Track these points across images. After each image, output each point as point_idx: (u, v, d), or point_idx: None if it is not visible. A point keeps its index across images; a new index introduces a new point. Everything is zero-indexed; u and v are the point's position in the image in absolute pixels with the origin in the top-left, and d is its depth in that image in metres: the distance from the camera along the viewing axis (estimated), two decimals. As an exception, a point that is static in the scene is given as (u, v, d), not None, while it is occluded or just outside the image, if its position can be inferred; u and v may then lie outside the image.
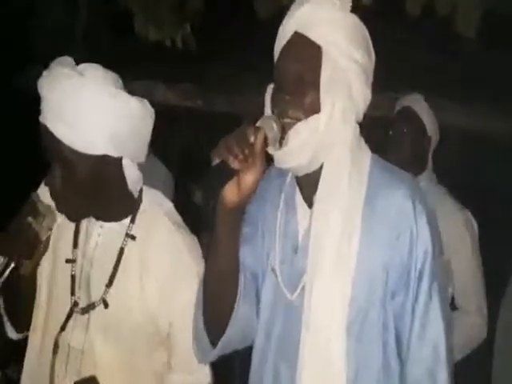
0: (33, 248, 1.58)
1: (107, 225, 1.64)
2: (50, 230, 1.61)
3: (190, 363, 1.61)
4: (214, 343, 1.50)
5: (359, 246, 1.39)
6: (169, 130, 5.93)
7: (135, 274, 1.61)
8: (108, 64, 1.58)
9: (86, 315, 1.61)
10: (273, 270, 1.51)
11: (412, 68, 4.08)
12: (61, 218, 1.64)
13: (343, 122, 1.41)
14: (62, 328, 1.62)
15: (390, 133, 2.82)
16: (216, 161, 1.32)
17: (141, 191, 1.68)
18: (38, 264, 1.66)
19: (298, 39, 1.43)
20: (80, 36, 4.25)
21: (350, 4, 1.47)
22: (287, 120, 1.40)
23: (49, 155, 1.50)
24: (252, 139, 1.33)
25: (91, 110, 1.45)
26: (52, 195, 1.53)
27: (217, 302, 1.49)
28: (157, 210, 1.67)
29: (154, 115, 1.59)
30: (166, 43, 3.85)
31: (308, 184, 1.48)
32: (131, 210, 1.65)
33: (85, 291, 1.63)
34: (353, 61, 1.42)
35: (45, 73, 1.50)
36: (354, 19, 1.47)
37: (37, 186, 1.68)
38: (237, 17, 4.42)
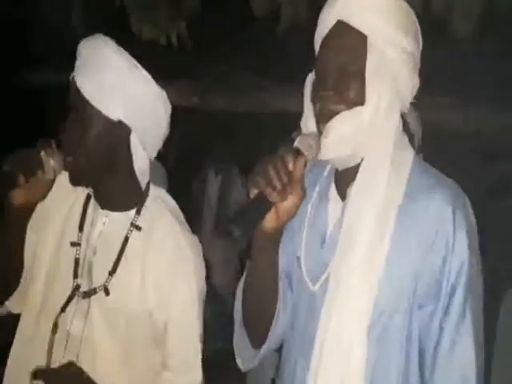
0: (33, 171, 1.56)
1: (112, 214, 1.66)
2: (54, 175, 1.60)
3: (185, 362, 1.62)
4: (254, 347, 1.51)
5: (390, 246, 1.31)
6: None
7: (137, 265, 1.63)
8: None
9: (87, 302, 1.62)
10: (298, 259, 1.46)
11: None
12: (71, 197, 1.69)
13: (388, 115, 1.34)
14: (63, 309, 1.62)
15: None
16: (254, 192, 1.27)
17: (148, 187, 1.71)
18: (31, 207, 1.65)
19: (341, 28, 1.35)
20: (79, 33, 4.25)
21: None
22: (330, 115, 1.33)
23: (70, 108, 1.59)
24: (291, 166, 1.27)
25: (120, 75, 1.56)
26: (62, 146, 1.59)
27: (257, 315, 1.48)
28: (161, 206, 1.70)
29: (169, 108, 1.65)
30: (160, 41, 3.83)
31: (344, 177, 1.41)
32: (137, 201, 1.67)
33: (86, 278, 1.65)
34: (401, 49, 1.34)
35: (87, 38, 1.62)
36: (401, 2, 1.38)
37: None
38: (233, 14, 4.41)
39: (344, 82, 1.33)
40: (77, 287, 1.63)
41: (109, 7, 3.89)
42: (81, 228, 1.67)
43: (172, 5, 3.85)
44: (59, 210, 1.72)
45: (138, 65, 1.60)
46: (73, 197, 1.71)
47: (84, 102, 1.55)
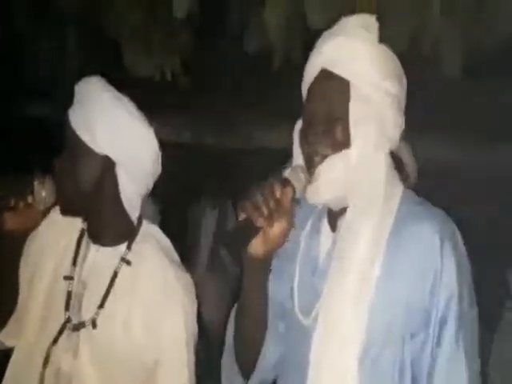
0: (23, 195, 1.64)
1: (103, 249, 1.68)
2: (44, 206, 1.67)
3: None
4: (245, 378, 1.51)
5: (381, 275, 1.32)
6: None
7: (125, 300, 1.63)
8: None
9: (76, 337, 1.63)
10: (291, 289, 1.46)
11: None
12: (64, 239, 1.72)
13: (375, 156, 1.38)
14: (54, 342, 1.63)
15: None
16: (242, 216, 1.30)
17: (140, 222, 1.73)
18: (24, 233, 1.71)
19: (325, 76, 1.40)
20: (70, 68, 4.28)
21: (378, 33, 1.42)
22: (318, 159, 1.37)
23: (65, 144, 1.65)
24: (278, 194, 1.30)
25: (105, 110, 1.62)
26: (54, 177, 1.65)
27: (246, 343, 1.49)
28: (152, 243, 1.71)
29: (155, 146, 1.68)
30: (155, 77, 3.88)
31: (337, 212, 1.43)
32: (128, 235, 1.69)
33: (77, 312, 1.66)
34: (384, 93, 1.38)
35: (83, 79, 1.69)
36: (382, 48, 1.42)
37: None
38: (226, 51, 4.47)
39: (331, 128, 1.36)
40: (68, 320, 1.64)
41: (103, 45, 3.94)
42: (74, 262, 1.69)
43: (166, 42, 3.90)
44: (56, 246, 1.74)
45: (127, 101, 1.66)
46: (69, 233, 1.74)
47: (74, 136, 1.61)
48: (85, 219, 1.71)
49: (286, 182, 1.33)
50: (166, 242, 1.76)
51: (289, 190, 1.32)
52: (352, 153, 1.35)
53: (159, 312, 1.62)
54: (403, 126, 1.43)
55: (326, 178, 1.36)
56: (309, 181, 1.37)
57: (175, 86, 4.01)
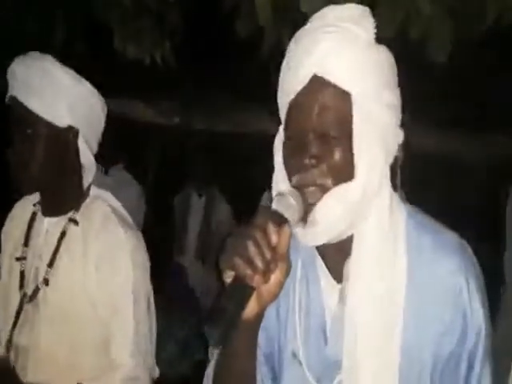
0: None
1: (54, 220, 1.72)
2: None
3: (123, 354, 1.64)
4: None
5: (404, 334, 1.13)
6: (145, 146, 5.94)
7: (78, 258, 1.67)
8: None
9: (34, 309, 1.65)
10: (294, 355, 1.23)
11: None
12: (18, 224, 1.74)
13: (382, 182, 1.15)
14: (14, 325, 1.67)
15: None
16: (230, 275, 1.03)
17: (89, 187, 1.77)
18: None
19: (320, 85, 1.12)
20: (57, 50, 4.25)
21: (375, 33, 1.16)
22: (312, 190, 1.11)
23: (17, 129, 1.63)
24: (274, 239, 1.04)
25: (59, 85, 1.64)
26: (14, 167, 1.64)
27: None
28: (101, 203, 1.77)
29: (103, 102, 1.74)
30: (145, 60, 3.87)
31: (333, 252, 1.19)
32: (78, 202, 1.73)
33: (35, 284, 1.69)
34: (387, 106, 1.14)
35: (20, 58, 1.67)
36: (383, 52, 1.17)
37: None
38: (215, 35, 4.46)
39: (328, 150, 1.11)
40: (24, 296, 1.68)
41: (93, 27, 3.92)
42: (26, 243, 1.73)
43: (156, 25, 3.89)
44: (12, 236, 1.80)
45: (69, 69, 1.69)
46: (24, 221, 1.78)
47: (32, 118, 1.61)
48: (41, 193, 1.73)
49: (279, 219, 1.07)
50: (116, 202, 1.80)
51: (286, 230, 1.07)
52: (356, 185, 1.11)
53: (111, 267, 1.66)
54: (402, 139, 1.22)
55: (325, 221, 1.11)
56: (302, 206, 1.11)
57: (165, 69, 4.01)
